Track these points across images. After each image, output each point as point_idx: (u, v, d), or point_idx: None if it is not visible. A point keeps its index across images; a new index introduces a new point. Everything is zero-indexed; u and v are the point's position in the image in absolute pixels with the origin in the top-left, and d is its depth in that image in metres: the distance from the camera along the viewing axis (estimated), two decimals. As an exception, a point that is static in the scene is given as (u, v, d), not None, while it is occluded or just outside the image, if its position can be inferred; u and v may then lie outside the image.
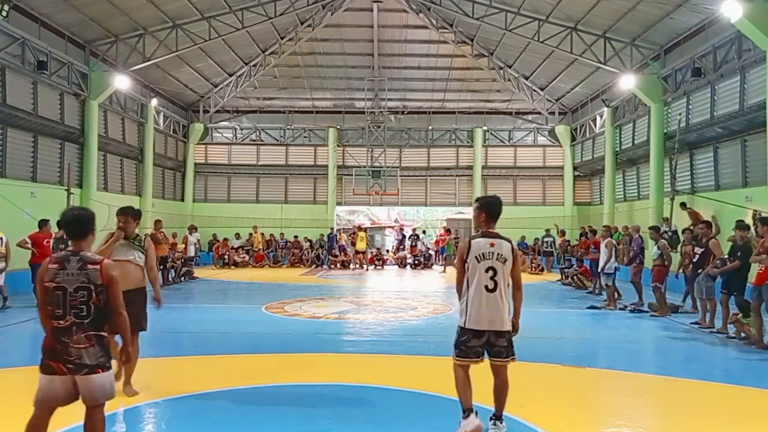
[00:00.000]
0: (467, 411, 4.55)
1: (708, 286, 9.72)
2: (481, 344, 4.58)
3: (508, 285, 4.65)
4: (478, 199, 4.92)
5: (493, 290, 4.52)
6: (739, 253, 8.99)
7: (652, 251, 11.53)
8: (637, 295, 12.05)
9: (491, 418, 4.65)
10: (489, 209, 4.74)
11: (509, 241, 4.68)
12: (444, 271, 22.05)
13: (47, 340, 3.68)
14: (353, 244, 23.66)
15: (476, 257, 4.56)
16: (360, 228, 24.41)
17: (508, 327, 4.62)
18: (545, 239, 22.72)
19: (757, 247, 8.60)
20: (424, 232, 27.91)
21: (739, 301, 8.86)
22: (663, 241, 11.59)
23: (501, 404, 4.67)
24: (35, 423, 3.72)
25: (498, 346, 4.58)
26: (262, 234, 24.68)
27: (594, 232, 15.67)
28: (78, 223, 3.86)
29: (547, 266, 22.08)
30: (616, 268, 12.36)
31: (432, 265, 24.06)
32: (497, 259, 4.54)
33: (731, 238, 11.10)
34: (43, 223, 12.07)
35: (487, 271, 4.52)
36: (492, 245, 4.57)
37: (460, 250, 4.70)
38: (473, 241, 4.62)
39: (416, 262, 23.86)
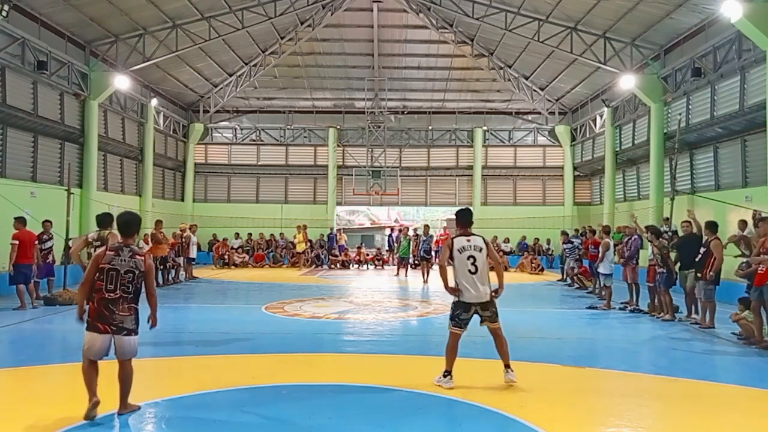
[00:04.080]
0: (448, 372, 5.97)
1: (708, 288, 9.70)
2: (469, 317, 6.03)
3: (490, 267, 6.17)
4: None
5: (475, 273, 5.98)
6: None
7: (649, 251, 11.52)
8: (647, 295, 12.00)
9: (504, 369, 6.02)
10: (458, 218, 6.38)
11: (481, 236, 6.25)
12: (397, 274, 20.11)
13: (94, 308, 4.89)
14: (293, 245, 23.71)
15: (458, 250, 6.06)
16: (300, 228, 23.53)
17: (487, 298, 6.00)
18: (573, 239, 18.66)
19: (756, 247, 8.59)
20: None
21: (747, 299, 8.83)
22: (662, 240, 11.57)
23: (506, 356, 6.08)
24: (87, 369, 4.92)
25: (485, 316, 6.03)
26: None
27: (593, 232, 15.68)
28: (129, 224, 5.18)
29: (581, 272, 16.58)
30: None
31: (432, 265, 24.00)
32: (474, 249, 6.05)
33: (732, 238, 11.11)
34: (23, 221, 11.37)
35: (468, 258, 5.99)
36: (468, 240, 6.11)
37: (447, 245, 6.23)
38: (455, 239, 6.18)
39: (416, 262, 23.80)
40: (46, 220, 12.55)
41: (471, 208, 6.69)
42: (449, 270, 6.18)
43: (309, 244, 24.50)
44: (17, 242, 11.07)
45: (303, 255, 23.62)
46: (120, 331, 4.89)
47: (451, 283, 6.09)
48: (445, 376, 5.95)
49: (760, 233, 8.89)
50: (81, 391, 5.25)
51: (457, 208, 6.81)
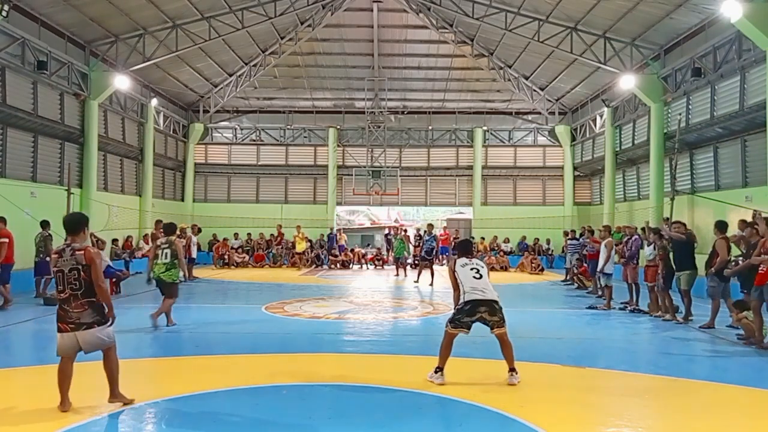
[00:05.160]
0: (440, 369, 6.20)
1: (712, 286, 9.69)
2: (472, 321, 6.23)
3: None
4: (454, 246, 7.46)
5: (480, 278, 6.35)
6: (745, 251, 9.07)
7: (646, 251, 11.55)
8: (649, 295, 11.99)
9: (509, 371, 6.17)
10: (459, 248, 7.10)
11: (479, 259, 7.12)
12: (397, 274, 19.81)
13: (57, 310, 5.12)
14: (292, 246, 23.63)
15: (461, 266, 6.47)
16: (299, 228, 23.73)
17: (496, 297, 6.29)
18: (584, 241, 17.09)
19: (758, 247, 8.59)
20: (425, 232, 27.80)
21: (744, 300, 8.85)
22: (662, 240, 11.57)
23: (510, 360, 6.23)
24: (62, 368, 5.12)
25: (493, 321, 6.22)
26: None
27: (592, 232, 15.67)
28: (74, 223, 5.32)
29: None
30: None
31: (433, 265, 23.93)
32: (476, 264, 6.55)
33: (732, 238, 11.10)
34: (4, 221, 11.46)
35: (471, 270, 6.41)
36: (470, 260, 6.64)
37: (450, 267, 6.63)
38: (457, 260, 6.64)
39: (416, 262, 23.77)
40: (47, 222, 12.70)
41: (471, 238, 7.77)
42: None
43: (309, 243, 24.51)
44: (6, 240, 11.09)
45: (303, 255, 23.58)
46: (79, 327, 5.03)
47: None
48: (436, 372, 6.17)
49: (749, 234, 9.03)
50: (81, 392, 5.26)
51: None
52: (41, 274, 12.62)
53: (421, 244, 19.33)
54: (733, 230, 11.74)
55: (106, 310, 5.20)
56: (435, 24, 22.33)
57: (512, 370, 6.16)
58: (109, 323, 5.17)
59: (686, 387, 6.41)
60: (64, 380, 5.11)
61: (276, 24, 21.75)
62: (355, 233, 34.98)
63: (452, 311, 6.47)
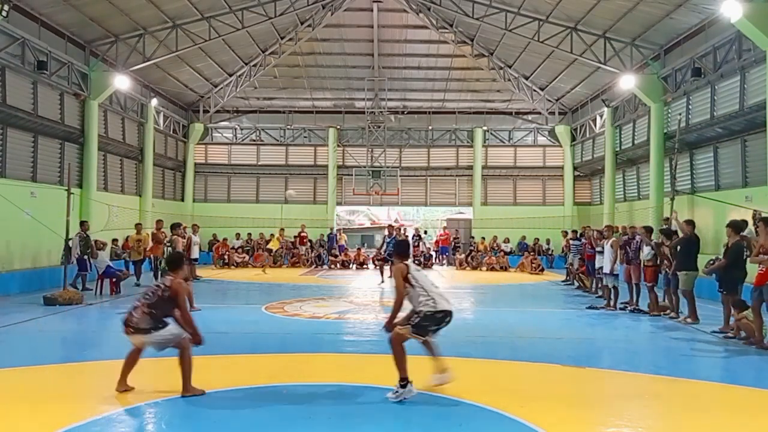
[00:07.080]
0: (406, 380, 5.56)
1: None
2: (439, 328, 5.75)
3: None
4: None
5: (437, 288, 5.87)
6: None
7: (645, 251, 11.54)
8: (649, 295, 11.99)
9: (440, 372, 5.87)
10: (399, 250, 6.25)
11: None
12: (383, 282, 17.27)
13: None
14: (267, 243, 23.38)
15: (416, 270, 5.90)
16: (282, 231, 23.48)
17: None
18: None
19: (756, 247, 8.59)
20: (425, 232, 27.91)
21: (734, 300, 8.87)
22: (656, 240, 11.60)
23: (441, 360, 5.93)
24: (132, 353, 5.72)
25: (441, 328, 5.79)
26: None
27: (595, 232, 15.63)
28: (175, 261, 6.21)
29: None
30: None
31: (432, 265, 24.04)
32: (424, 271, 6.09)
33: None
34: None
35: (426, 277, 5.90)
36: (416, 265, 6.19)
37: (402, 272, 5.79)
38: (408, 264, 5.93)
39: (416, 262, 23.79)
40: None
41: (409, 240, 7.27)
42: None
43: (309, 243, 24.46)
44: None
45: (276, 253, 23.24)
46: (138, 332, 5.63)
47: (402, 316, 5.84)
48: (404, 387, 5.56)
49: (729, 233, 9.09)
50: (80, 391, 5.26)
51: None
52: (83, 270, 13.91)
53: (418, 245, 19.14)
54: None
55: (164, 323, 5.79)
56: (435, 24, 22.32)
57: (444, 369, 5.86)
58: (163, 327, 5.73)
59: (686, 387, 6.41)
60: (128, 365, 5.69)
61: (276, 24, 21.75)
62: (355, 233, 35.04)
63: (418, 318, 5.71)
